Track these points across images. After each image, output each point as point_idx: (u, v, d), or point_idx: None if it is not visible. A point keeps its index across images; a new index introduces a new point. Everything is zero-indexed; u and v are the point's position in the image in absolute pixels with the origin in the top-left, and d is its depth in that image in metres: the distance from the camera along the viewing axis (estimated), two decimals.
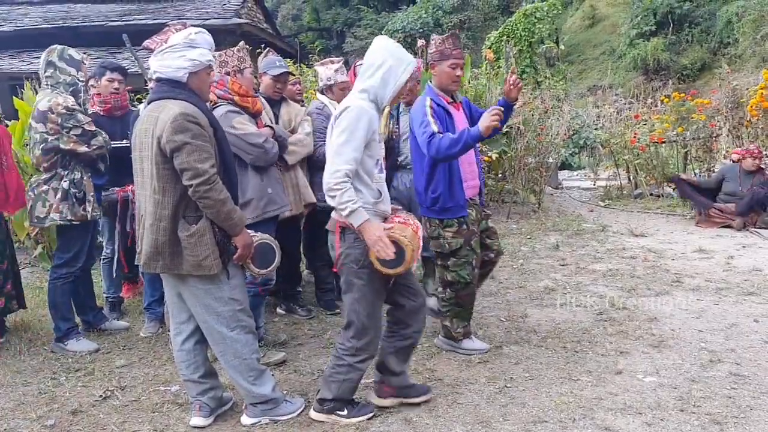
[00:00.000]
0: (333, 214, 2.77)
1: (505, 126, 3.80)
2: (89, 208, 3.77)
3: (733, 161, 7.40)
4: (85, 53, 4.04)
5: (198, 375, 2.85)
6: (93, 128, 3.73)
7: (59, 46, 3.79)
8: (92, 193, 3.79)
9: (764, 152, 7.52)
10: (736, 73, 12.17)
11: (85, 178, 3.79)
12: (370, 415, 2.90)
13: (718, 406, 2.91)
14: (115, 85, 4.23)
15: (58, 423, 2.98)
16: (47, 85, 3.75)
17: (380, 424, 2.86)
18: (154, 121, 2.60)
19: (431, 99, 3.48)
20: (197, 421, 2.87)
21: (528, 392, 3.12)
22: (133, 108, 4.48)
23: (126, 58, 10.25)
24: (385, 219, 2.78)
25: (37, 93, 4.53)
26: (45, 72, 3.73)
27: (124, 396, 3.23)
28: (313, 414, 2.89)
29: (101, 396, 3.22)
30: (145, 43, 3.14)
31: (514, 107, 3.53)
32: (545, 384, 3.21)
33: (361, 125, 2.60)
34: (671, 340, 3.74)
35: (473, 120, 3.56)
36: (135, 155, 2.74)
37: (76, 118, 3.66)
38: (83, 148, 3.69)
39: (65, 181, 3.71)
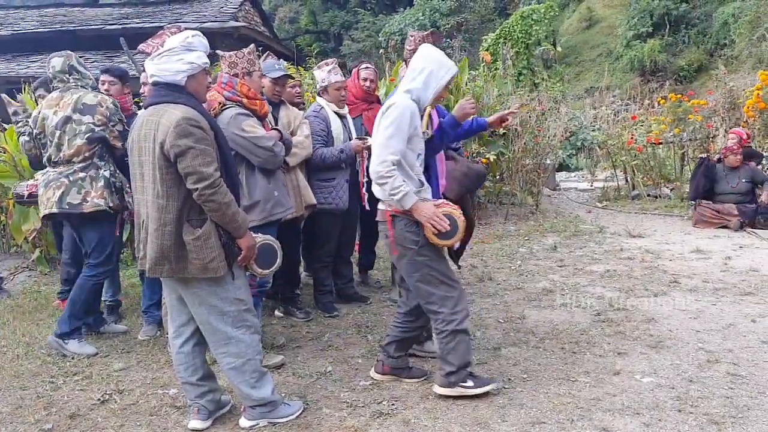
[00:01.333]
0: (380, 205, 3.02)
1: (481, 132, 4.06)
2: (128, 198, 3.89)
3: (716, 162, 7.43)
4: (81, 56, 4.09)
5: (196, 378, 2.85)
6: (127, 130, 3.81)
7: (71, 53, 4.00)
8: (128, 185, 3.85)
9: (743, 132, 7.55)
10: (733, 74, 12.20)
11: (118, 171, 3.92)
12: (494, 385, 3.08)
13: (716, 406, 2.91)
14: (105, 87, 4.27)
15: (56, 427, 2.98)
16: (77, 86, 3.93)
17: (378, 426, 2.86)
18: (155, 125, 2.59)
19: None
20: (195, 424, 2.87)
21: (526, 393, 3.12)
22: (137, 112, 4.49)
23: (123, 62, 10.26)
24: None
25: (33, 97, 4.62)
26: (70, 75, 3.92)
27: (122, 399, 3.23)
28: (440, 390, 3.05)
29: (99, 399, 3.22)
30: (141, 46, 3.15)
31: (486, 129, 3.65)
32: (543, 385, 3.21)
33: (405, 120, 2.85)
34: (669, 341, 3.75)
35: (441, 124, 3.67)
36: (133, 160, 2.73)
37: (120, 115, 3.95)
38: (120, 144, 3.87)
39: (105, 170, 3.86)
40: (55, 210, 3.77)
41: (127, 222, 4.23)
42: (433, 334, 3.09)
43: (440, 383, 3.06)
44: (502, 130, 8.15)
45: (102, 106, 3.86)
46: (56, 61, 3.94)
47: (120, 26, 11.98)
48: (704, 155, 7.77)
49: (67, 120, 3.82)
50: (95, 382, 3.45)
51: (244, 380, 2.79)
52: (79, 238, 4.02)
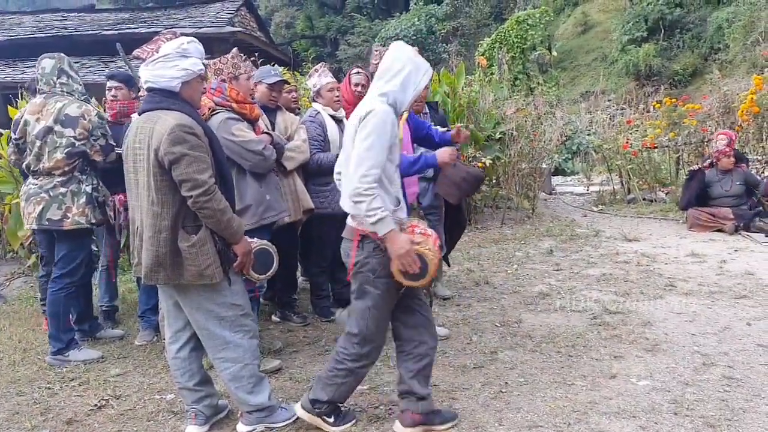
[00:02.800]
0: (349, 221, 2.70)
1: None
2: (109, 212, 3.85)
3: (708, 167, 7.47)
4: (77, 61, 4.07)
5: (193, 383, 2.85)
6: (113, 142, 3.76)
7: (64, 55, 3.83)
8: (110, 199, 3.86)
9: (732, 133, 7.60)
10: (727, 78, 12.26)
11: (101, 184, 3.87)
12: (352, 422, 2.88)
13: (712, 409, 2.93)
14: (113, 92, 4.22)
15: None
16: (62, 92, 3.77)
17: (375, 430, 2.86)
18: (149, 132, 2.59)
19: None
20: (193, 429, 2.87)
21: (523, 397, 3.13)
22: None
23: (119, 67, 10.27)
24: (401, 227, 2.65)
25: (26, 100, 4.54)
26: (58, 79, 3.77)
27: (119, 405, 3.23)
28: (299, 411, 2.86)
29: (96, 405, 3.22)
30: (136, 52, 3.13)
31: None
32: (540, 389, 3.22)
33: (387, 128, 2.54)
34: (665, 344, 3.76)
35: (415, 131, 3.74)
36: (128, 167, 2.73)
37: (105, 128, 3.80)
38: (100, 159, 3.78)
39: (87, 185, 3.78)
40: (35, 226, 3.74)
41: (125, 228, 4.22)
42: (332, 357, 2.82)
43: (304, 405, 2.84)
44: (498, 135, 8.19)
45: (85, 119, 3.72)
46: (47, 62, 3.80)
47: (116, 31, 11.99)
48: (696, 167, 7.73)
49: (49, 131, 3.70)
50: (92, 388, 3.45)
51: (241, 385, 2.79)
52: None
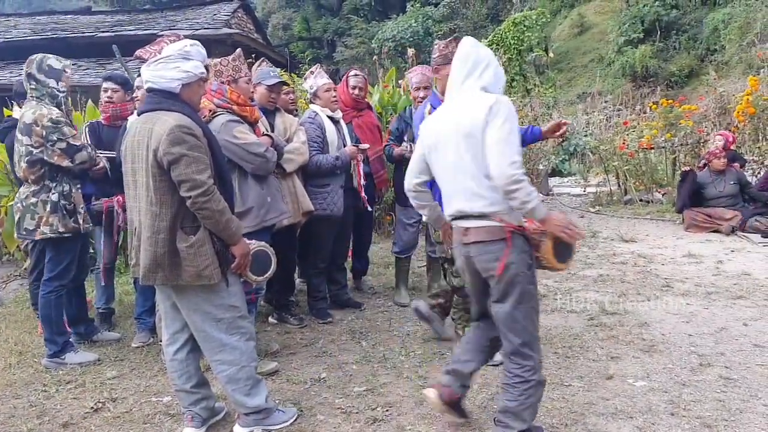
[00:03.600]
0: (485, 222, 2.49)
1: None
2: (80, 220, 3.75)
3: (701, 168, 7.49)
4: (74, 63, 4.03)
5: (190, 385, 2.85)
6: (79, 142, 3.70)
7: (38, 57, 3.69)
8: (82, 205, 3.76)
9: (729, 134, 7.62)
10: (723, 79, 12.33)
11: (74, 190, 3.75)
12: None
13: (709, 410, 2.93)
14: (108, 94, 4.20)
15: None
16: (32, 97, 3.69)
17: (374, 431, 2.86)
18: (148, 133, 2.59)
19: (431, 105, 3.51)
20: (190, 431, 2.86)
21: None
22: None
23: (116, 69, 10.26)
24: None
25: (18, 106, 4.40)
26: (29, 84, 3.68)
27: (115, 408, 3.21)
28: None
29: (92, 408, 3.20)
30: (138, 52, 3.11)
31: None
32: None
33: (516, 116, 2.48)
34: (662, 345, 3.77)
35: None
36: (126, 167, 2.73)
37: (61, 132, 3.61)
38: (66, 163, 3.65)
39: (54, 193, 3.67)
40: (16, 236, 3.78)
41: (122, 229, 4.22)
42: (509, 384, 2.57)
43: None
44: (560, 139, 8.13)
45: (38, 126, 3.56)
46: (25, 65, 3.72)
47: (113, 33, 11.99)
48: (688, 168, 7.73)
49: (16, 140, 3.69)
50: (88, 391, 3.44)
51: (238, 388, 2.79)
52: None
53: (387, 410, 3.06)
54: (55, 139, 3.60)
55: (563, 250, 2.48)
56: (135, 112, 3.87)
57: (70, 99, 4.17)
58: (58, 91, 3.69)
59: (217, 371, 2.80)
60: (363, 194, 4.49)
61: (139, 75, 3.69)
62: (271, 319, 4.50)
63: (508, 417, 2.55)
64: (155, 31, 11.75)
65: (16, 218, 3.77)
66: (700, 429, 2.76)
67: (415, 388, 3.28)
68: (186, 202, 2.57)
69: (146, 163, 2.59)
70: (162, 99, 2.66)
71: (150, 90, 2.70)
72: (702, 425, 2.79)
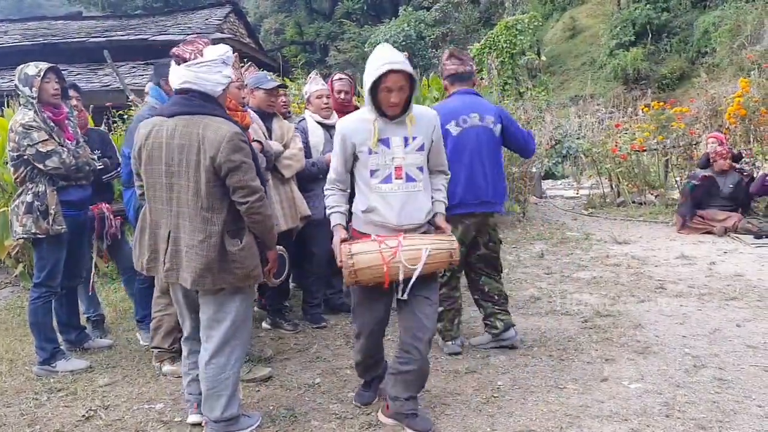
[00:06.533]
0: None
1: None
2: (51, 222, 3.68)
3: (704, 167, 7.53)
4: (65, 69, 4.01)
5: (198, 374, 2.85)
6: (48, 148, 3.64)
7: (23, 65, 3.74)
8: (54, 206, 3.71)
9: (722, 135, 7.67)
10: (714, 81, 12.38)
11: (48, 191, 3.70)
12: None
13: (703, 411, 2.93)
14: (74, 102, 4.17)
15: None
16: (20, 103, 3.80)
17: None
18: (198, 138, 2.58)
19: None
20: (195, 418, 2.92)
21: (515, 402, 3.12)
22: (96, 128, 4.37)
23: (107, 75, 10.22)
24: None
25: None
26: (17, 91, 3.76)
27: (107, 415, 3.18)
28: None
29: (84, 416, 3.17)
30: (176, 50, 2.98)
31: None
32: (532, 393, 3.21)
33: (337, 140, 2.80)
34: (656, 347, 3.77)
35: None
36: (156, 168, 2.67)
37: (30, 137, 3.61)
38: (39, 167, 3.66)
39: (29, 194, 3.68)
40: (11, 237, 3.83)
41: (115, 236, 4.19)
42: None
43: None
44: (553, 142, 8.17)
45: (12, 131, 3.66)
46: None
47: (104, 38, 11.92)
48: (699, 178, 7.43)
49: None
50: (80, 398, 3.40)
51: (226, 393, 2.75)
52: None
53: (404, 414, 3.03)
54: (26, 144, 3.61)
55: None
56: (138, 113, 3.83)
57: (73, 102, 4.12)
58: (32, 97, 3.68)
59: (210, 372, 2.74)
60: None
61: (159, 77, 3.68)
62: (264, 325, 4.48)
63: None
64: (146, 37, 11.72)
65: (9, 222, 3.80)
66: (694, 431, 2.76)
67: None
68: (240, 207, 2.64)
69: (195, 169, 2.59)
70: (203, 102, 2.67)
71: (186, 91, 2.68)
72: (696, 427, 2.79)
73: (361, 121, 2.76)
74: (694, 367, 3.45)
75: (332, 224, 2.84)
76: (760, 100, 7.98)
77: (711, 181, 7.35)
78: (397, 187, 2.73)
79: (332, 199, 2.86)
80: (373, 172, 2.73)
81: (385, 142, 2.72)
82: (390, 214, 2.73)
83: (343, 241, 2.80)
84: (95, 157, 4.03)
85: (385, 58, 2.65)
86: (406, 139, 2.75)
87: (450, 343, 3.80)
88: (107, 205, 4.19)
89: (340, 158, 2.81)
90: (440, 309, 3.60)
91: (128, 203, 3.79)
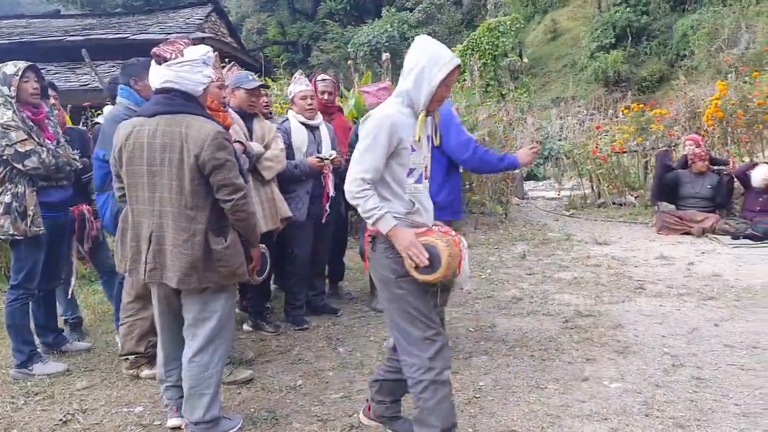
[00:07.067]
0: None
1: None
2: (29, 223, 3.61)
3: (683, 168, 7.65)
4: (43, 68, 3.94)
5: (179, 377, 2.83)
6: (27, 148, 3.58)
7: (3, 64, 3.68)
8: (33, 207, 3.64)
9: (698, 138, 7.80)
10: (693, 84, 12.54)
11: (27, 192, 3.63)
12: None
13: (682, 410, 2.96)
14: (52, 101, 4.10)
15: None
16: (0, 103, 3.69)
17: None
18: (182, 137, 2.58)
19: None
20: (175, 421, 2.89)
21: (497, 402, 3.13)
22: (75, 126, 4.31)
23: (86, 74, 10.09)
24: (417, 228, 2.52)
25: None
26: None
27: (85, 419, 3.14)
28: None
29: (61, 420, 3.12)
30: (157, 50, 2.94)
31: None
32: (514, 393, 3.23)
33: (383, 132, 2.39)
34: (635, 346, 3.81)
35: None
36: (137, 169, 2.65)
37: (9, 137, 3.54)
38: (18, 167, 3.58)
39: (7, 194, 3.61)
40: None
41: (89, 241, 4.13)
42: (411, 392, 2.52)
43: None
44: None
45: None
46: None
47: (82, 37, 11.77)
48: (662, 150, 7.90)
49: None
50: (57, 402, 3.35)
51: (209, 392, 2.72)
52: None
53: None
54: (4, 144, 3.55)
55: (423, 267, 2.40)
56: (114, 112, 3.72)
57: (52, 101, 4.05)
58: (10, 96, 3.62)
59: (194, 371, 2.71)
60: (326, 206, 4.42)
61: (122, 77, 3.63)
62: (245, 327, 4.45)
63: (416, 427, 2.51)
64: (126, 36, 11.59)
65: None
66: (673, 429, 2.79)
67: None
68: (224, 205, 2.64)
69: (178, 168, 2.59)
70: (185, 102, 2.67)
71: (168, 90, 2.67)
72: (675, 425, 2.82)
73: (401, 113, 2.47)
74: (672, 366, 3.49)
75: (388, 226, 2.40)
76: (737, 103, 8.10)
77: (663, 157, 7.71)
78: (424, 188, 2.60)
79: (372, 201, 2.39)
80: (411, 171, 2.51)
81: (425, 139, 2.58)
82: (426, 215, 2.59)
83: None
84: (76, 156, 3.97)
85: (448, 51, 2.50)
86: (429, 137, 2.65)
87: None
88: (88, 206, 4.12)
89: (382, 153, 2.41)
90: None
91: (103, 207, 3.65)
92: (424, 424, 2.46)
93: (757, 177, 6.85)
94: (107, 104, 4.02)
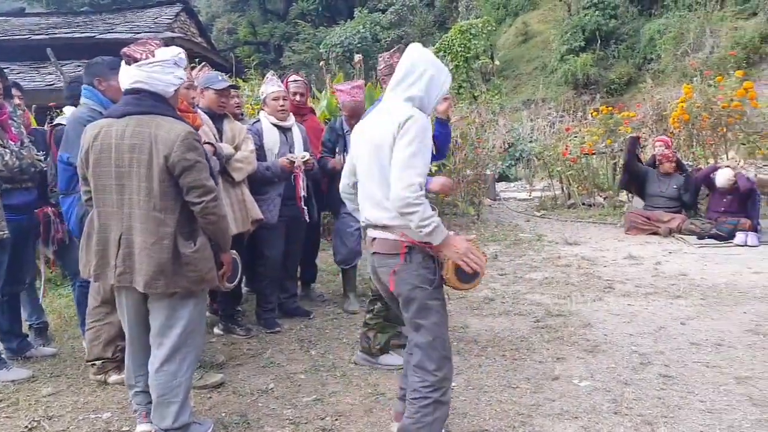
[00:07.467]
0: (382, 233, 2.47)
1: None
2: None
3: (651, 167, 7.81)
4: (6, 67, 3.85)
5: (146, 383, 2.77)
6: None
7: None
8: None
9: (668, 139, 7.98)
10: (659, 87, 12.80)
11: None
12: None
13: (649, 407, 3.01)
14: (16, 101, 4.01)
15: None
16: None
17: None
18: (151, 137, 2.53)
19: None
20: (144, 427, 2.82)
21: (469, 402, 3.14)
22: (39, 127, 4.22)
23: (51, 73, 9.87)
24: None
25: None
26: None
27: (51, 426, 3.06)
28: None
29: (27, 427, 3.04)
30: (127, 50, 2.89)
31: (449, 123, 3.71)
32: (486, 393, 3.25)
33: (428, 133, 2.37)
34: (604, 345, 3.86)
35: None
36: (104, 171, 2.60)
37: None
38: None
39: None
40: None
41: (61, 241, 4.04)
42: (408, 399, 2.50)
43: None
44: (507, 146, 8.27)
45: None
46: None
47: (47, 36, 11.51)
48: (632, 135, 8.07)
49: None
50: (22, 409, 3.26)
51: (177, 400, 2.68)
52: None
53: (336, 419, 3.02)
54: None
55: (466, 273, 2.39)
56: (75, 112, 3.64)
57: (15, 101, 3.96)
58: None
59: (162, 379, 2.66)
60: (301, 205, 4.40)
61: (81, 78, 3.55)
62: (216, 330, 4.39)
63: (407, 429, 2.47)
64: (93, 35, 11.37)
65: None
66: (641, 426, 2.84)
67: (365, 396, 3.26)
68: (194, 208, 2.58)
69: (147, 169, 2.53)
70: (155, 103, 2.62)
71: (138, 91, 2.62)
72: (643, 422, 2.87)
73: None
74: (640, 364, 3.55)
75: (444, 234, 2.33)
76: (702, 106, 8.29)
77: (632, 144, 7.84)
78: None
79: (429, 208, 2.30)
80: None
81: None
82: None
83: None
84: (41, 158, 3.87)
85: (442, 64, 2.57)
86: None
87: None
88: (53, 208, 4.03)
89: (430, 155, 2.39)
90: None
91: (68, 211, 3.53)
92: None
93: (721, 178, 7.02)
94: (68, 105, 3.92)
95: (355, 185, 2.70)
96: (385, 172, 2.40)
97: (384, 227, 2.46)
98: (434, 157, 3.18)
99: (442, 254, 2.37)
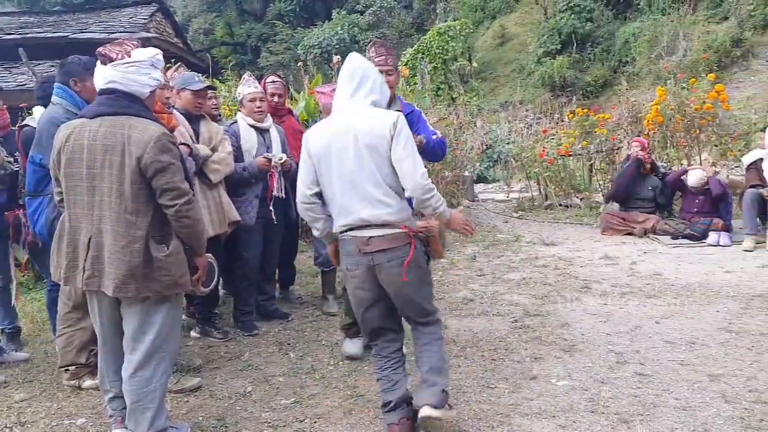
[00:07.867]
0: (391, 230, 2.65)
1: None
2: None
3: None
4: None
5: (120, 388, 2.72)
6: None
7: None
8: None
9: (645, 141, 8.07)
10: (634, 89, 12.99)
11: None
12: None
13: (626, 406, 3.05)
14: None
15: None
16: None
17: None
18: (124, 138, 2.49)
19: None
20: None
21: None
22: (14, 128, 4.14)
23: (23, 74, 9.69)
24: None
25: None
26: None
27: None
28: (438, 413, 2.65)
29: None
30: (102, 50, 2.84)
31: None
32: (464, 393, 3.26)
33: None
34: (581, 344, 3.90)
35: None
36: (76, 171, 2.55)
37: None
38: None
39: None
40: None
41: (26, 247, 3.96)
42: (427, 344, 2.85)
43: (437, 404, 2.68)
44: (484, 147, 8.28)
45: None
46: None
47: (19, 35, 11.30)
48: (635, 155, 7.81)
49: None
50: None
51: (153, 406, 2.63)
52: None
53: (316, 421, 3.01)
54: None
55: (444, 241, 2.87)
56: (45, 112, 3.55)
57: None
58: None
59: (135, 385, 2.62)
60: (270, 207, 4.37)
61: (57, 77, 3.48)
62: (193, 333, 4.34)
63: (433, 374, 2.76)
64: (66, 34, 11.18)
65: None
66: (617, 425, 2.87)
67: (345, 398, 3.25)
68: (167, 210, 2.53)
69: (119, 170, 2.49)
70: (129, 103, 2.59)
71: (112, 91, 2.58)
72: (619, 421, 2.90)
73: None
74: (617, 363, 3.59)
75: (448, 210, 2.74)
76: (675, 108, 8.42)
77: (637, 162, 7.66)
78: None
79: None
80: None
81: None
82: None
83: None
84: (11, 159, 3.80)
85: None
86: None
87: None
88: (24, 211, 3.95)
89: None
90: None
91: (35, 213, 3.45)
92: (443, 374, 2.81)
93: (693, 178, 7.14)
94: (38, 105, 3.83)
95: (317, 195, 2.76)
96: (382, 170, 2.61)
97: (385, 224, 2.64)
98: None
99: (435, 229, 2.77)
